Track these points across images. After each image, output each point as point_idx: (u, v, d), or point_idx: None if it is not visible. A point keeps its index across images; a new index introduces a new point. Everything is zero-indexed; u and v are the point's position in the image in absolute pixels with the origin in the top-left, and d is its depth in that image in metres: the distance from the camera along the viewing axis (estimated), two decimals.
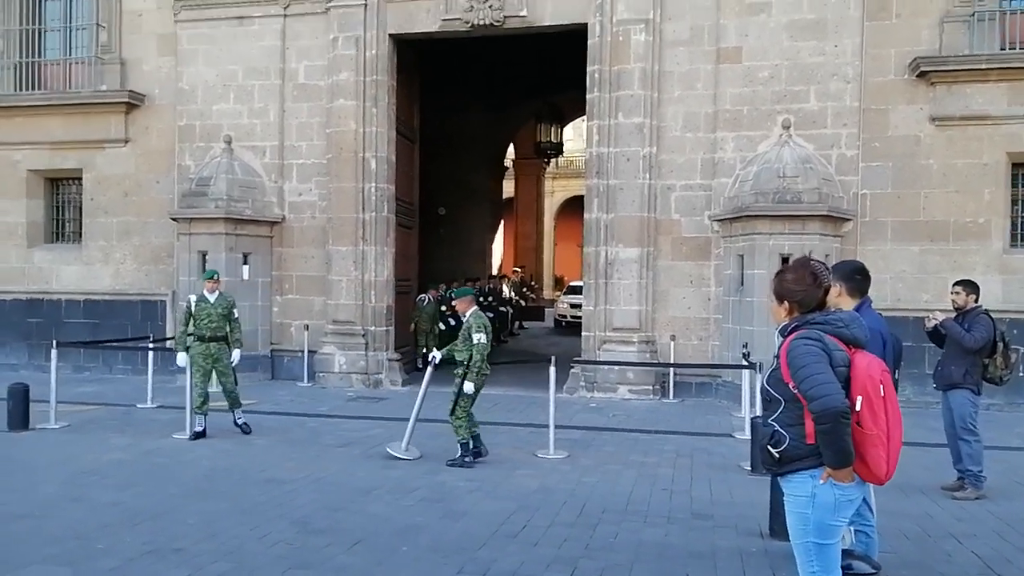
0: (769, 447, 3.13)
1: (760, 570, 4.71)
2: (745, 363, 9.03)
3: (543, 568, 4.70)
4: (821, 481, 3.04)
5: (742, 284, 10.86)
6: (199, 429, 8.46)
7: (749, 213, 10.58)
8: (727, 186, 11.31)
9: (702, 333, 11.49)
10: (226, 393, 8.70)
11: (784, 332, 3.20)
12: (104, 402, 10.70)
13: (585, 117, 12.37)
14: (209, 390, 8.62)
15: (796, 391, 3.05)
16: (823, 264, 3.26)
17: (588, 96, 11.77)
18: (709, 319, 11.46)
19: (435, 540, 5.21)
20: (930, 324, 6.42)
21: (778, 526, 5.18)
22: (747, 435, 8.38)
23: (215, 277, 8.92)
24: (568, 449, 7.94)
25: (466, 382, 7.24)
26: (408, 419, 7.78)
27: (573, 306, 20.39)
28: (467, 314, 7.51)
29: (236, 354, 8.77)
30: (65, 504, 6.01)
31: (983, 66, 10.58)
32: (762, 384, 3.26)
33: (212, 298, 8.71)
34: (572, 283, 28.15)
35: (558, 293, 35.33)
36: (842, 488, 3.05)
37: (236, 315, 8.90)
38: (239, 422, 8.71)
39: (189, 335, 8.70)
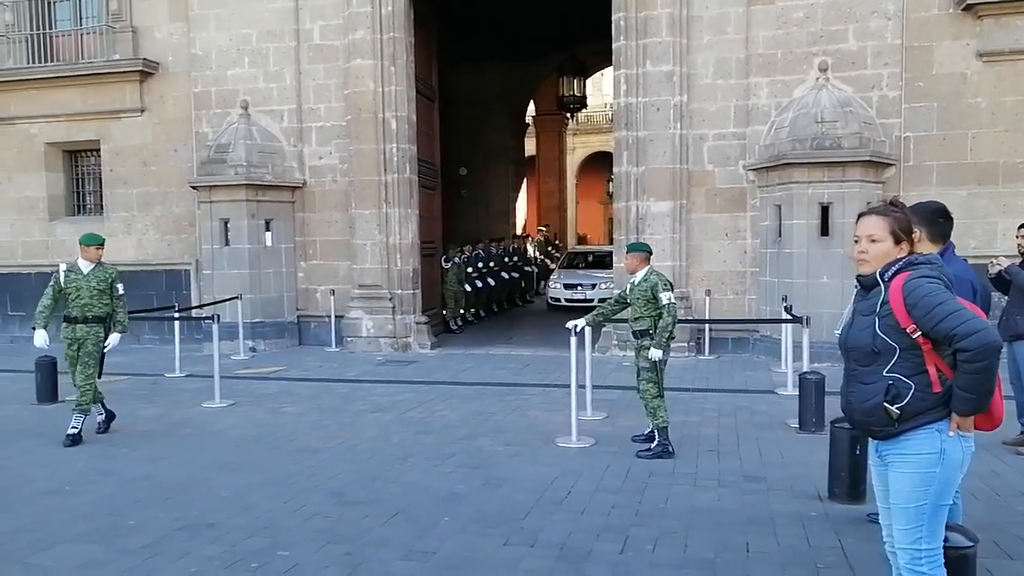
0: (886, 404, 2.77)
1: (824, 536, 4.44)
2: (790, 316, 8.68)
3: (593, 537, 4.46)
4: (950, 433, 2.75)
5: (780, 235, 10.46)
6: (73, 429, 6.88)
7: (786, 161, 10.15)
8: (762, 134, 10.86)
9: (738, 287, 11.14)
10: (76, 387, 6.99)
11: (883, 276, 2.84)
12: (132, 372, 10.61)
13: (606, 70, 11.95)
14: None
15: (917, 336, 2.73)
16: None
17: (614, 45, 11.29)
18: (745, 272, 11.09)
19: (477, 510, 5.00)
20: (994, 270, 6.02)
21: (839, 488, 4.92)
22: (791, 391, 8.10)
23: (96, 244, 7.09)
24: (606, 410, 7.70)
25: (652, 349, 6.10)
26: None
27: (568, 287, 16.96)
28: (640, 273, 6.31)
29: (114, 339, 7.13)
30: (95, 478, 5.88)
31: None
32: (855, 337, 2.89)
33: (86, 269, 7.04)
34: (576, 248, 22.48)
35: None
36: (967, 439, 2.78)
37: (120, 291, 7.19)
38: (72, 430, 6.88)
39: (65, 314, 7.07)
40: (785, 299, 9.84)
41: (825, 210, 10.07)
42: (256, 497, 5.35)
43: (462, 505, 5.09)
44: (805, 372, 7.02)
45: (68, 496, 5.48)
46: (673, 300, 6.16)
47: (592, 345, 7.93)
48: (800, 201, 10.14)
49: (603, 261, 17.81)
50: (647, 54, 11.08)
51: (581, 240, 35.84)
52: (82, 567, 4.24)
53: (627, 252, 6.53)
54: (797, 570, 4.00)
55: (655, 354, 6.11)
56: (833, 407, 6.81)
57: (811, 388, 6.69)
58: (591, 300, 15.66)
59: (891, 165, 10.35)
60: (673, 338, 6.29)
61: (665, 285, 6.19)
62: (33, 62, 13.59)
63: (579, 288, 16.69)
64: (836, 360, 9.81)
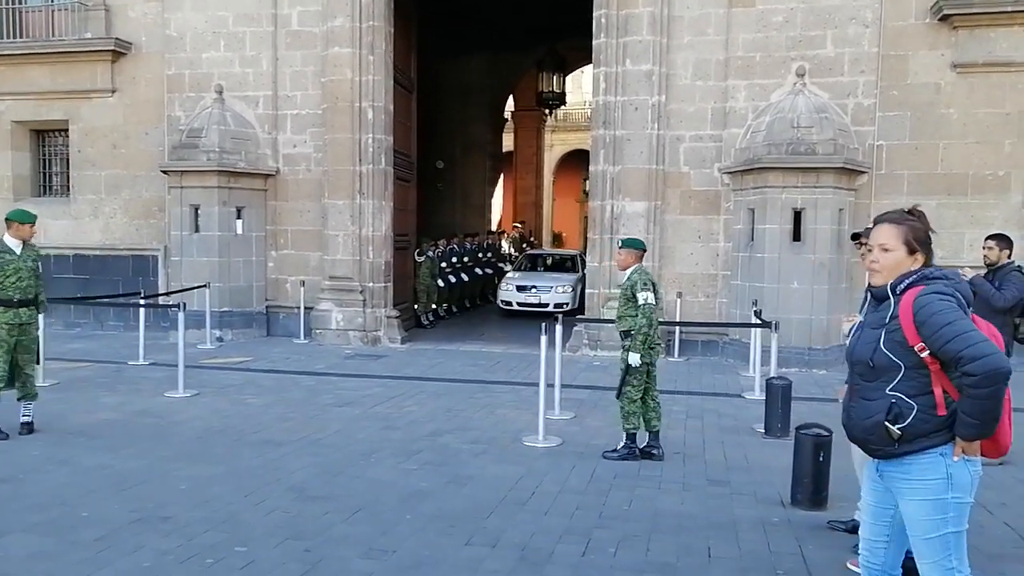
0: (887, 423, 2.67)
1: (785, 542, 4.44)
2: (759, 321, 8.72)
3: (555, 539, 4.43)
4: (955, 458, 2.64)
5: (752, 239, 10.51)
6: None
7: (761, 165, 10.19)
8: (738, 137, 10.89)
9: (709, 290, 11.18)
10: (24, 378, 6.72)
11: (895, 289, 2.74)
12: (95, 359, 10.41)
13: (586, 67, 11.92)
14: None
15: (925, 355, 2.63)
16: None
17: (594, 42, 11.27)
18: (717, 275, 11.14)
19: (440, 508, 4.94)
20: None
21: (802, 495, 4.94)
22: (759, 395, 8.15)
23: (31, 221, 6.70)
24: (574, 410, 7.68)
25: (631, 353, 5.87)
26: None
27: (521, 289, 15.23)
28: (628, 270, 6.08)
29: (41, 320, 7.04)
30: (50, 467, 5.74)
31: (1009, 9, 10.09)
32: (860, 350, 2.78)
33: (18, 248, 6.61)
34: (535, 250, 20.02)
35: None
36: (974, 463, 2.67)
37: (40, 269, 6.87)
38: (25, 418, 6.71)
39: None
40: (755, 303, 9.89)
41: (798, 215, 10.13)
42: (216, 490, 5.25)
43: (425, 503, 5.03)
44: (772, 377, 7.05)
45: (21, 484, 5.34)
46: (651, 301, 5.86)
47: (563, 344, 7.91)
48: (774, 206, 10.19)
49: (563, 264, 17.14)
50: (627, 52, 11.06)
51: (556, 238, 35.85)
52: (32, 558, 4.13)
53: (619, 247, 6.26)
54: (756, 575, 4.01)
55: (634, 359, 5.88)
56: (799, 412, 6.89)
57: (778, 393, 6.71)
58: (546, 304, 14.73)
59: (864, 173, 10.44)
60: (653, 341, 5.98)
61: (646, 284, 5.90)
62: (2, 38, 13.26)
63: (533, 291, 15.09)
64: (803, 365, 9.91)
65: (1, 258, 6.54)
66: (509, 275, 16.45)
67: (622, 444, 6.11)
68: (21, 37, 13.33)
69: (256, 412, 7.59)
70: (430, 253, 14.47)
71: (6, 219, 6.70)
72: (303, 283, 12.22)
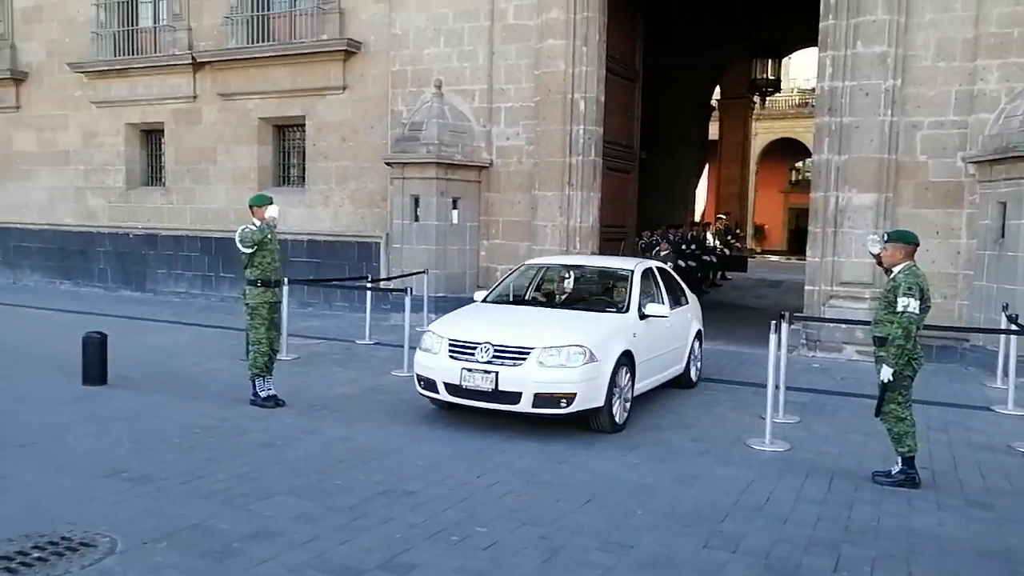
0: None
1: None
2: (1017, 327, 7.83)
3: (800, 551, 4.22)
4: None
5: (1003, 236, 9.46)
6: (272, 391, 7.16)
7: (1017, 153, 9.11)
8: (988, 123, 9.81)
9: (947, 291, 10.20)
10: (273, 353, 7.27)
11: None
12: (327, 337, 11.28)
13: (795, 53, 11.16)
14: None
15: None
16: None
17: (821, 24, 10.58)
18: (957, 275, 10.13)
19: (671, 506, 4.87)
20: None
21: None
22: (1012, 410, 7.37)
23: (268, 202, 7.14)
24: (798, 413, 7.29)
25: (883, 367, 5.27)
26: None
27: (459, 350, 6.41)
28: (896, 268, 5.42)
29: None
30: (302, 436, 6.27)
31: None
32: None
33: (270, 232, 7.09)
34: (546, 259, 9.75)
35: (756, 246, 32.97)
36: None
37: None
38: (273, 392, 7.17)
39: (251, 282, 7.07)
40: (1006, 307, 8.90)
41: None
42: (448, 469, 5.49)
43: (654, 500, 4.98)
44: None
45: (280, 450, 5.88)
46: (912, 309, 5.14)
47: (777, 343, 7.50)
48: None
49: (597, 294, 8.29)
50: (858, 34, 10.29)
51: (758, 230, 34.37)
52: (297, 519, 4.52)
53: (886, 241, 5.52)
54: None
55: (885, 373, 5.24)
56: None
57: None
58: (514, 399, 6.19)
59: None
60: (915, 353, 5.28)
61: (910, 289, 5.17)
62: (252, 42, 14.66)
63: (479, 356, 6.33)
64: None
65: (264, 237, 7.06)
66: (448, 319, 7.35)
67: (897, 468, 5.41)
68: (267, 41, 14.66)
69: None
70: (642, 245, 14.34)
71: (250, 205, 7.27)
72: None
